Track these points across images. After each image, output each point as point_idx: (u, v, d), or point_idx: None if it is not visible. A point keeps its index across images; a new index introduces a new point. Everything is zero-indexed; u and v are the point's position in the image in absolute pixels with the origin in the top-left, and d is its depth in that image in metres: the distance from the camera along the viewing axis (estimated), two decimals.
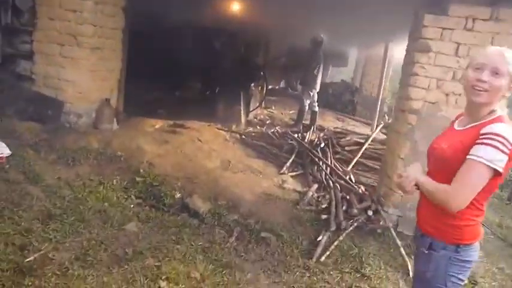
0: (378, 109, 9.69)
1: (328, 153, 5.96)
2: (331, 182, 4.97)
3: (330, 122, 10.02)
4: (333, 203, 4.30)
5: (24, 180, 3.47)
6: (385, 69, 9.41)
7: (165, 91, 9.13)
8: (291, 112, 10.15)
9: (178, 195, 4.14)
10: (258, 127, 8.09)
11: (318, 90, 8.54)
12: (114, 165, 4.33)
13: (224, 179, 4.57)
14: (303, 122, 8.60)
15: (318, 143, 6.33)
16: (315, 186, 4.93)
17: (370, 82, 12.40)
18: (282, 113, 9.97)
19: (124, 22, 5.13)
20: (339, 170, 5.45)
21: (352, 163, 5.79)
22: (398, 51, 9.91)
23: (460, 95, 3.90)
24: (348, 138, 6.32)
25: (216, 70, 8.61)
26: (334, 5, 6.69)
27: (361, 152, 5.97)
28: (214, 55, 8.70)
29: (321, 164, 5.61)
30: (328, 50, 10.81)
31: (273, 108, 10.28)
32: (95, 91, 4.83)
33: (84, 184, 3.85)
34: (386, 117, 11.17)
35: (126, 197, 3.98)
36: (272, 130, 7.66)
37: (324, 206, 4.28)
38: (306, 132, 7.47)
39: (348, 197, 4.39)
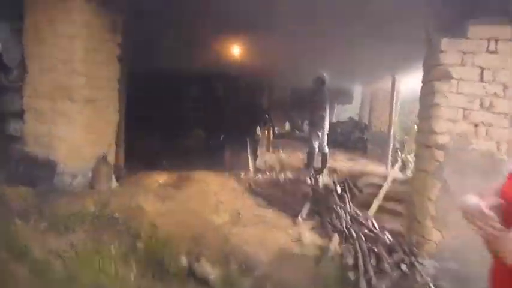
0: (391, 145, 9.27)
1: (346, 197, 5.49)
2: (353, 232, 4.48)
3: (341, 162, 9.59)
4: (359, 256, 3.79)
5: (8, 257, 3.04)
6: (394, 103, 9.07)
7: (167, 141, 8.83)
8: (300, 155, 9.76)
9: (184, 260, 3.68)
10: (268, 173, 7.68)
11: (327, 130, 8.17)
12: (112, 229, 3.88)
13: (234, 236, 4.10)
14: (314, 165, 8.19)
15: (334, 187, 5.87)
16: (336, 237, 4.43)
17: (378, 118, 12.07)
18: (290, 157, 9.57)
19: (119, 71, 4.86)
20: (360, 217, 4.97)
21: (373, 207, 5.30)
22: (405, 82, 9.67)
23: (491, 125, 3.50)
24: (365, 180, 5.87)
25: (219, 116, 8.35)
26: (336, 42, 6.47)
27: (381, 194, 5.50)
28: (216, 100, 8.46)
29: (339, 210, 5.13)
30: (332, 87, 10.61)
31: (281, 152, 9.89)
32: (89, 147, 4.48)
33: (77, 255, 3.41)
34: (400, 153, 10.74)
35: (126, 266, 3.53)
36: (282, 176, 7.24)
37: (349, 262, 3.77)
38: (318, 175, 7.03)
39: (375, 249, 3.89)
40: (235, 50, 6.89)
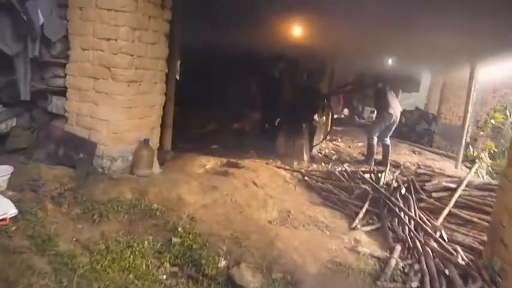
0: (464, 141, 8.32)
1: (411, 201, 4.83)
2: (418, 243, 3.87)
3: (405, 155, 8.78)
4: (427, 280, 3.20)
5: (29, 247, 2.78)
6: (472, 95, 8.07)
7: (220, 124, 8.48)
8: (359, 145, 9.07)
9: (222, 262, 3.28)
10: (323, 164, 7.12)
11: (393, 121, 7.44)
12: (148, 222, 3.56)
13: (281, 240, 3.63)
14: (374, 157, 7.52)
15: (397, 187, 5.23)
16: (398, 248, 3.85)
17: (449, 109, 10.99)
18: (349, 147, 8.90)
19: (167, 50, 4.48)
20: (427, 225, 4.32)
21: (443, 215, 4.61)
22: (482, 72, 8.59)
23: None
24: (434, 182, 5.15)
25: (276, 100, 7.84)
26: (406, 24, 5.70)
27: (453, 200, 4.78)
28: (274, 84, 7.95)
29: (402, 215, 4.51)
30: (398, 73, 9.73)
31: (339, 140, 9.24)
32: (132, 130, 4.16)
33: (107, 248, 3.12)
34: (471, 149, 9.71)
35: (158, 264, 3.19)
36: (340, 168, 6.65)
37: (414, 285, 3.19)
38: (379, 169, 6.36)
39: (446, 272, 3.27)
40: (296, 31, 6.29)
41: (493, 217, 3.50)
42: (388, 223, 4.49)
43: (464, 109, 8.20)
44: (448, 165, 8.40)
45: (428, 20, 5.06)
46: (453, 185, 5.05)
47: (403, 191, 4.99)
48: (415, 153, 9.30)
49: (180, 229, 3.48)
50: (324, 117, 8.46)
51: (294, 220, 4.36)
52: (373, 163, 7.38)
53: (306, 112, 7.27)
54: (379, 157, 7.66)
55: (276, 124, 7.78)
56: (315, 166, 6.87)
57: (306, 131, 7.19)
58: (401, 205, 4.71)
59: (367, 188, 5.31)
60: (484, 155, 9.49)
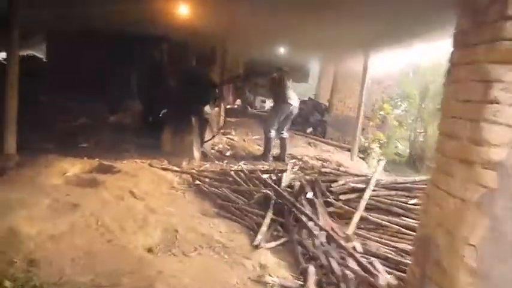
0: (358, 133, 8.15)
1: (318, 206, 4.21)
2: (335, 265, 3.21)
3: (302, 148, 8.36)
4: None
5: None
6: (366, 85, 7.88)
7: (94, 117, 7.10)
8: (254, 138, 8.39)
9: None
10: (217, 162, 6.27)
11: (297, 105, 6.92)
12: None
13: (165, 279, 2.66)
14: (271, 152, 6.89)
15: (301, 188, 4.59)
16: (312, 270, 3.14)
17: (341, 100, 10.90)
18: (244, 140, 8.18)
19: None
20: (340, 236, 3.72)
21: (354, 221, 4.07)
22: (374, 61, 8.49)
23: None
24: (341, 182, 4.60)
25: (160, 88, 6.73)
26: (298, 11, 5.10)
27: (363, 204, 4.26)
28: (157, 69, 6.82)
29: (312, 225, 3.86)
30: (288, 62, 9.31)
31: (233, 134, 8.47)
32: None
33: None
34: (363, 139, 9.70)
35: None
36: (235, 167, 5.87)
37: None
38: (279, 168, 5.71)
39: None
40: (182, 11, 5.28)
41: (420, 232, 2.96)
42: (296, 235, 3.81)
43: (359, 99, 7.99)
44: (344, 157, 8.18)
45: (321, 7, 4.51)
46: (361, 185, 4.56)
47: (310, 195, 4.35)
48: (310, 146, 8.95)
49: (8, 284, 2.31)
50: (217, 108, 7.60)
51: (182, 242, 3.41)
52: (271, 159, 6.74)
53: (196, 102, 6.29)
54: (277, 151, 7.06)
55: (160, 116, 6.68)
56: (207, 165, 5.99)
57: (196, 124, 6.24)
58: (309, 212, 4.05)
59: (269, 192, 4.58)
60: (375, 146, 9.57)
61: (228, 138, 7.97)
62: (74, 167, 4.61)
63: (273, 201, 4.36)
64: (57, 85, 7.38)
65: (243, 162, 6.36)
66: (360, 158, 8.61)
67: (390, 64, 9.24)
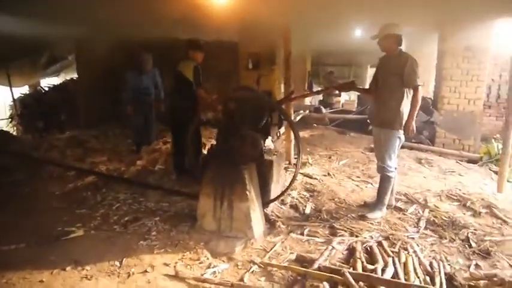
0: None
1: None
2: None
3: (413, 172, 5.62)
4: None
5: None
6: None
7: None
8: (342, 164, 5.74)
9: None
10: (293, 234, 3.75)
11: None
12: None
13: None
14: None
15: None
16: None
17: (455, 90, 7.86)
18: (329, 174, 5.54)
19: None
20: None
21: None
22: None
23: None
24: None
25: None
26: None
27: None
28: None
29: None
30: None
31: (310, 162, 5.85)
32: None
33: None
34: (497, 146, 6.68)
35: None
36: (331, 245, 3.33)
37: None
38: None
39: None
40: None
41: None
42: None
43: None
44: (482, 182, 5.32)
45: None
46: None
47: None
48: (423, 164, 6.13)
49: None
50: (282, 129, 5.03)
51: None
52: (383, 212, 4.12)
53: (248, 142, 3.80)
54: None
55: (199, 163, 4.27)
56: (278, 245, 3.49)
57: (253, 177, 3.76)
58: None
59: None
60: None
61: (304, 175, 5.36)
62: None
63: None
64: None
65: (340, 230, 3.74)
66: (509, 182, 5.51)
67: None
